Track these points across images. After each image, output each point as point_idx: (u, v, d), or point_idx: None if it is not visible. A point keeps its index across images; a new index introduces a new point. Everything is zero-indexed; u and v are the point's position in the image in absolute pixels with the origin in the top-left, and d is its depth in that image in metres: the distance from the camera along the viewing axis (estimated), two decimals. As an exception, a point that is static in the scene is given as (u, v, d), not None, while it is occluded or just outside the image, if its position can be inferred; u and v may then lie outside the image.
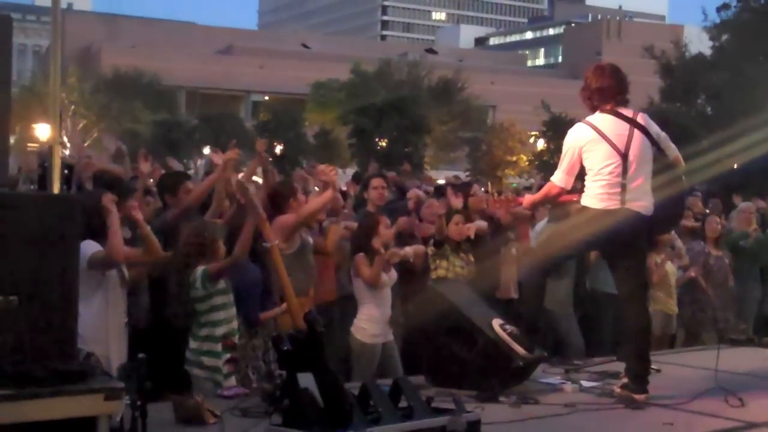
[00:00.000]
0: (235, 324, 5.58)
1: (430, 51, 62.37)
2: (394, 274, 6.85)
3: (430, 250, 7.64)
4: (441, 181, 14.99)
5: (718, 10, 38.16)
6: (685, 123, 34.28)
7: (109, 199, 5.26)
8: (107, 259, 5.25)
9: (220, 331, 5.45)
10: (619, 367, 5.96)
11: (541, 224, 8.36)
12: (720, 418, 5.22)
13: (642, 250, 5.97)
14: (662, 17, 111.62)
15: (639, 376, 5.61)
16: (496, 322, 5.80)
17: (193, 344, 5.48)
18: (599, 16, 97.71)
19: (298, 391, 4.15)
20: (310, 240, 6.72)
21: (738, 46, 35.86)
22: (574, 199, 5.84)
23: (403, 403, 4.40)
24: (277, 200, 6.53)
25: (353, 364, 6.76)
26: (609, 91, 5.69)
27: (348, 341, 6.76)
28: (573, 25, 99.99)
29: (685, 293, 9.08)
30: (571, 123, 5.84)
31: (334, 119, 43.48)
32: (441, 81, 46.22)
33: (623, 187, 5.54)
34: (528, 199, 6.38)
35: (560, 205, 6.71)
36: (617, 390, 5.65)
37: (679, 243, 9.18)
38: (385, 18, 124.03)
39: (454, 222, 7.63)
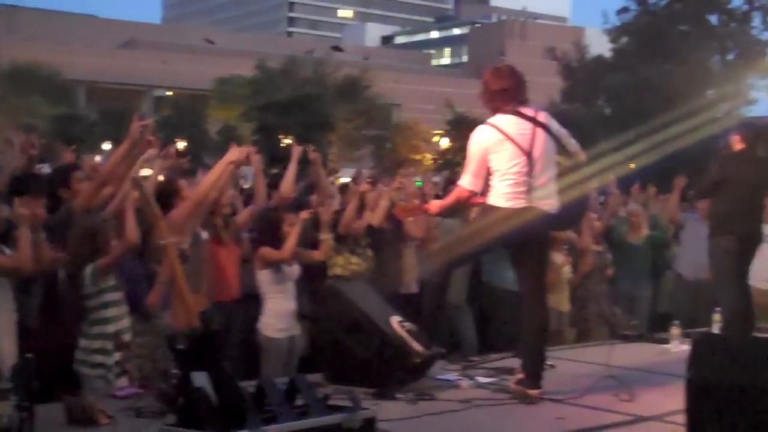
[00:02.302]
0: (126, 322, 5.50)
1: (336, 49, 62.20)
2: (296, 268, 6.84)
3: (328, 244, 7.65)
4: (345, 179, 14.99)
5: (618, 13, 39.14)
6: (585, 123, 34.97)
7: (20, 211, 5.14)
8: (14, 270, 5.14)
9: (110, 328, 5.36)
10: (515, 363, 6.05)
11: (447, 222, 8.44)
12: (611, 412, 5.35)
13: (546, 248, 6.08)
14: (565, 19, 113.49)
15: (533, 372, 5.71)
16: (395, 320, 5.84)
17: (83, 343, 5.38)
18: (504, 17, 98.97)
19: (192, 391, 4.10)
20: (204, 236, 6.64)
21: (636, 48, 36.76)
22: (481, 201, 5.90)
23: (299, 401, 4.40)
24: (163, 199, 6.27)
25: (261, 360, 6.74)
26: (509, 92, 5.77)
27: (254, 338, 6.75)
28: (478, 25, 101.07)
29: (573, 290, 9.26)
30: (475, 122, 5.91)
31: (238, 116, 43.12)
32: (346, 79, 46.21)
33: (529, 185, 5.63)
34: (436, 205, 6.41)
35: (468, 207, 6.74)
36: (512, 386, 5.73)
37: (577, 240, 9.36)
38: (292, 15, 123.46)
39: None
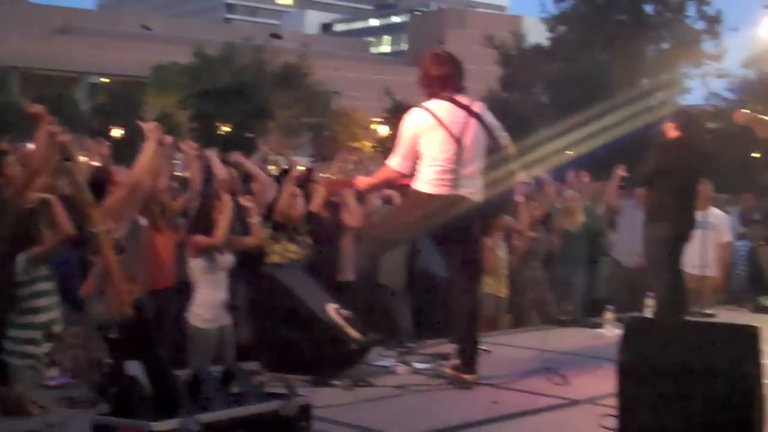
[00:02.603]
0: (57, 312, 5.42)
1: (275, 36, 61.90)
2: (229, 257, 6.80)
3: (266, 233, 7.62)
4: (284, 167, 14.92)
5: (556, 2, 39.42)
6: (523, 112, 35.29)
7: None
8: None
9: (41, 318, 5.29)
10: (451, 348, 6.09)
11: (385, 209, 8.46)
12: (544, 395, 5.42)
13: (472, 235, 6.11)
14: (503, 8, 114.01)
15: (468, 357, 5.75)
16: (331, 307, 5.84)
17: (12, 333, 5.30)
18: (443, 5, 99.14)
19: (124, 380, 4.06)
20: (142, 223, 6.57)
21: (574, 37, 37.08)
22: (407, 183, 5.92)
23: (234, 390, 4.38)
24: (95, 187, 6.19)
25: (189, 350, 6.68)
26: (447, 79, 5.79)
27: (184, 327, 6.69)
28: (417, 13, 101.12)
29: (509, 276, 9.35)
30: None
31: (175, 103, 42.67)
32: (285, 66, 45.97)
33: (456, 173, 5.66)
34: (363, 181, 6.43)
35: (396, 188, 6.77)
36: (448, 371, 5.77)
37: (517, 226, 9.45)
38: (230, 1, 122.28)
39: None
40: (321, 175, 8.82)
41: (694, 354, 3.80)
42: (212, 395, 4.18)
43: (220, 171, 7.79)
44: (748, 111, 5.18)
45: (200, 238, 6.65)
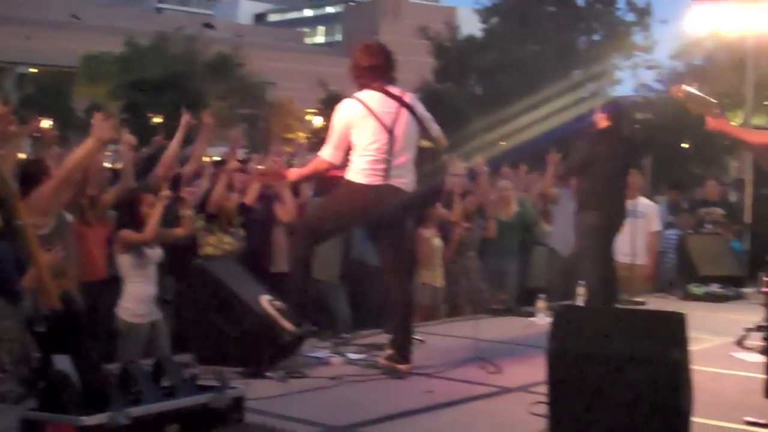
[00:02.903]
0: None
1: (208, 26, 61.25)
2: (159, 251, 6.71)
3: (199, 225, 7.55)
4: (217, 158, 14.79)
5: (489, -7, 39.67)
6: (458, 103, 35.46)
7: None
8: None
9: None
10: (386, 338, 6.11)
11: (316, 200, 8.43)
12: (478, 384, 5.47)
13: (404, 225, 6.13)
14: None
15: (403, 347, 5.78)
16: (264, 298, 5.81)
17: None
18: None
19: (53, 374, 3.99)
20: (69, 218, 6.44)
21: (507, 28, 37.34)
22: (342, 174, 5.92)
23: (166, 383, 4.33)
24: (27, 180, 6.05)
25: (119, 345, 6.59)
26: (378, 70, 5.81)
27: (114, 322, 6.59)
28: (352, 3, 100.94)
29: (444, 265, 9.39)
30: (348, 99, 5.91)
31: (106, 94, 41.98)
32: (218, 56, 45.51)
33: (388, 163, 5.68)
34: (294, 172, 6.41)
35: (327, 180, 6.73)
36: (382, 361, 5.80)
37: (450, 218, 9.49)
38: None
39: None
40: (255, 166, 8.73)
41: (622, 341, 3.86)
42: (143, 389, 4.13)
43: (167, 159, 7.64)
44: (685, 86, 5.19)
45: (128, 234, 6.53)
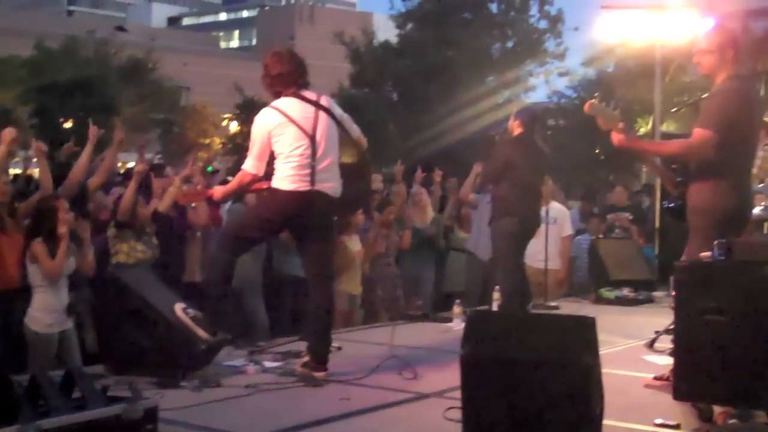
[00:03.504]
0: None
1: (120, 29, 60.30)
2: (71, 261, 6.58)
3: (111, 233, 7.43)
4: (131, 164, 14.60)
5: (403, -1, 39.86)
6: (374, 109, 35.51)
7: None
8: None
9: None
10: (303, 346, 6.09)
11: (228, 204, 8.37)
12: (394, 390, 5.48)
13: (330, 231, 6.12)
14: (353, 4, 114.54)
15: (319, 355, 5.77)
16: (179, 307, 5.74)
17: None
18: (293, 1, 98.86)
19: (-41, 387, 3.88)
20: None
21: (422, 35, 37.53)
22: (265, 186, 5.89)
23: (76, 394, 4.25)
24: None
25: (29, 355, 6.44)
26: (290, 76, 5.80)
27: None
28: (267, 8, 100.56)
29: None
30: (264, 106, 5.89)
31: (15, 98, 41.02)
32: (131, 60, 44.84)
33: (313, 168, 5.67)
34: (219, 191, 6.34)
35: (253, 191, 6.67)
36: (298, 369, 5.78)
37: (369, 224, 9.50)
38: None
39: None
40: (173, 178, 8.50)
41: (533, 345, 3.91)
42: (52, 400, 4.04)
43: (78, 169, 7.46)
44: (596, 102, 5.36)
45: (39, 254, 6.32)
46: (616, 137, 5.36)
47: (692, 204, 5.42)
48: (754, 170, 7.73)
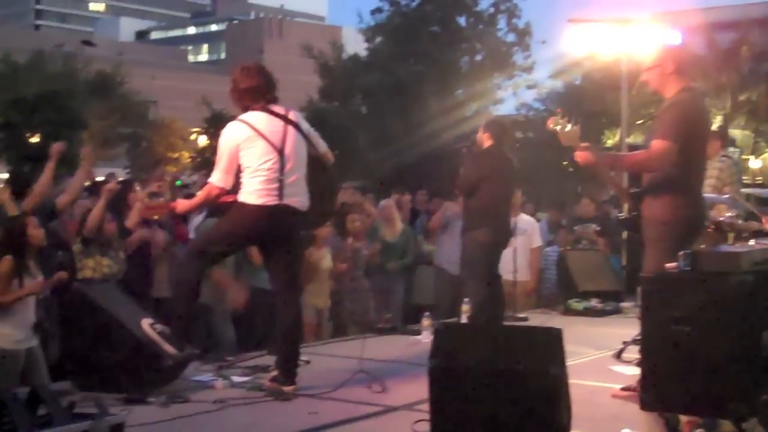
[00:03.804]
0: None
1: (88, 43, 59.90)
2: (39, 278, 6.52)
3: (77, 248, 7.37)
4: (100, 178, 14.46)
5: (372, 13, 39.90)
6: (343, 122, 35.53)
7: None
8: None
9: None
10: (271, 360, 6.06)
11: (198, 219, 8.34)
12: (363, 404, 5.48)
13: (297, 246, 6.12)
14: (323, 18, 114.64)
15: (288, 369, 5.75)
16: (146, 322, 5.71)
17: None
18: (261, 14, 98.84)
19: None
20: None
21: (391, 48, 37.62)
22: (232, 200, 5.87)
23: (42, 412, 4.21)
24: None
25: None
26: (258, 90, 5.80)
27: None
28: (236, 22, 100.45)
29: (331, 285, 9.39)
30: (232, 120, 5.88)
31: (-20, 112, 40.72)
32: (99, 74, 44.62)
33: (281, 182, 5.67)
34: (183, 204, 6.31)
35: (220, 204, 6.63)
36: (267, 383, 5.76)
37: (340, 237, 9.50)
38: (39, 7, 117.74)
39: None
40: (139, 193, 8.45)
41: (500, 357, 3.92)
42: (17, 418, 4.00)
43: (41, 186, 7.38)
44: (558, 119, 5.44)
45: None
46: (579, 155, 5.43)
47: (649, 215, 5.48)
48: (713, 181, 7.86)
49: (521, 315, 9.48)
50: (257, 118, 5.72)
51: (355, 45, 41.99)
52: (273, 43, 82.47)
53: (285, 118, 5.77)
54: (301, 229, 6.16)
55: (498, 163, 7.96)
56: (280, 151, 5.68)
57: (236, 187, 5.77)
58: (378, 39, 39.32)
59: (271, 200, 5.67)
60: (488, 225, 7.74)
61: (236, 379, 6.05)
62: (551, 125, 5.44)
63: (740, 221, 7.26)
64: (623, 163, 5.83)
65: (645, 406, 4.68)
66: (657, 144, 5.32)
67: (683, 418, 4.71)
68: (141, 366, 5.52)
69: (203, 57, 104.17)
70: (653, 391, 4.60)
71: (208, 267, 6.27)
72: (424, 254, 10.95)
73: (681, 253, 4.67)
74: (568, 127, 5.44)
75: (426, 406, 4.24)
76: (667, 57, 5.55)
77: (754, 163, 31.05)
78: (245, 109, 5.80)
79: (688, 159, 5.35)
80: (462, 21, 39.19)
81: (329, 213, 6.65)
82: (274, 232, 5.73)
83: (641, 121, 14.83)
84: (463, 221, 8.09)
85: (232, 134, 5.74)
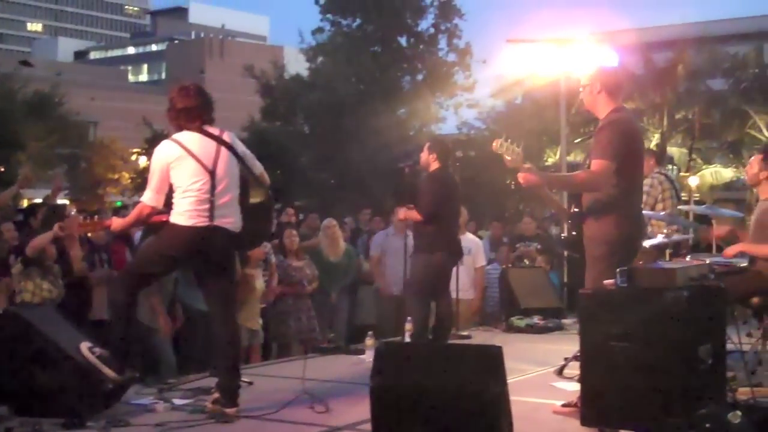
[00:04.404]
0: None
1: (25, 63, 59.06)
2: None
3: (17, 269, 7.26)
4: (38, 200, 14.28)
5: (313, 33, 39.99)
6: (285, 141, 35.49)
7: None
8: None
9: None
10: (213, 382, 6.00)
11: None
12: (306, 424, 5.44)
13: (231, 267, 6.08)
14: (264, 38, 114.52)
15: (230, 390, 5.69)
16: (84, 346, 5.62)
17: None
18: (202, 34, 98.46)
19: None
20: None
21: (332, 68, 37.69)
22: (165, 219, 5.83)
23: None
24: None
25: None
26: (195, 111, 5.77)
27: None
28: (176, 41, 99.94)
29: (272, 306, 9.34)
30: (169, 139, 5.84)
31: None
32: (37, 95, 44.06)
33: (212, 203, 5.64)
34: (117, 222, 6.25)
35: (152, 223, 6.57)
36: (209, 405, 5.69)
37: (272, 258, 9.45)
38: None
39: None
40: (74, 214, 8.38)
41: (441, 375, 3.94)
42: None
43: None
44: (502, 141, 5.50)
45: None
46: (522, 176, 5.49)
47: (590, 235, 5.55)
48: (643, 197, 8.01)
49: (464, 333, 9.52)
50: (189, 138, 5.70)
51: (297, 65, 42.01)
52: (214, 62, 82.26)
53: (218, 139, 5.75)
54: (234, 251, 6.13)
55: (446, 184, 8.02)
56: (212, 172, 5.65)
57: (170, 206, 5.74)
58: (320, 59, 39.40)
59: (201, 221, 5.63)
60: (443, 248, 7.79)
61: (177, 401, 5.97)
62: (496, 148, 5.49)
63: (676, 236, 7.41)
64: (565, 184, 5.90)
65: (586, 421, 4.74)
66: (596, 164, 5.40)
67: (623, 433, 4.77)
68: (80, 390, 5.43)
69: (143, 77, 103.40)
70: (593, 407, 4.66)
71: (141, 288, 6.18)
72: (365, 274, 10.98)
73: (618, 270, 4.74)
74: (513, 148, 5.49)
75: (369, 426, 4.24)
76: (595, 78, 5.67)
77: (693, 180, 31.62)
78: (180, 129, 5.77)
79: (626, 177, 5.44)
80: (403, 41, 39.45)
81: (264, 235, 6.62)
82: (206, 253, 5.70)
83: (578, 140, 15.00)
84: (415, 242, 8.08)
85: (163, 153, 5.71)
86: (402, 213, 8.23)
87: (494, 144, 5.50)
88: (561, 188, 6.01)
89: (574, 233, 5.68)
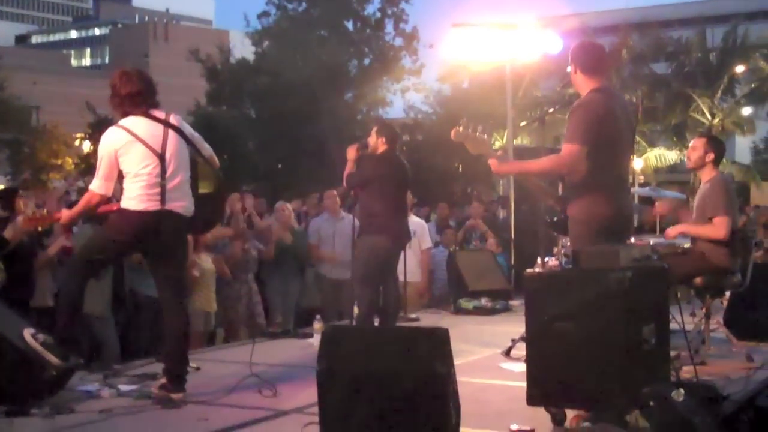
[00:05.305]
0: None
1: (-35, 48, 58.20)
2: None
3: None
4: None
5: (259, 17, 39.74)
6: (232, 126, 35.27)
7: None
8: None
9: None
10: (159, 368, 5.97)
11: (84, 228, 8.16)
12: (253, 408, 5.43)
13: (183, 251, 6.03)
14: (210, 22, 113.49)
15: (177, 376, 5.66)
16: (27, 332, 5.54)
17: None
18: (146, 18, 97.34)
19: None
20: None
21: (278, 52, 37.49)
22: (115, 207, 5.77)
23: None
24: None
25: None
26: (139, 96, 5.70)
27: None
28: (119, 25, 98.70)
29: (219, 290, 9.29)
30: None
31: None
32: (-23, 81, 43.35)
33: (162, 187, 5.59)
34: (66, 214, 6.16)
35: (100, 213, 6.47)
36: (155, 391, 5.66)
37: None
38: None
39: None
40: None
41: (387, 358, 3.95)
42: None
43: None
44: (461, 128, 5.42)
45: None
46: (493, 163, 5.45)
47: (571, 215, 5.55)
48: None
49: (412, 315, 9.56)
50: (136, 123, 5.63)
51: (243, 49, 41.74)
52: (158, 46, 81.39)
53: (166, 123, 5.69)
54: (186, 235, 6.08)
55: (394, 167, 7.99)
56: (161, 156, 5.60)
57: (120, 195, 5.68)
58: (266, 43, 39.18)
59: (152, 205, 5.58)
60: (388, 231, 7.76)
61: (123, 387, 5.92)
62: (456, 137, 5.41)
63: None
64: (534, 169, 5.76)
65: (531, 401, 4.78)
66: (565, 148, 5.36)
67: (570, 412, 4.82)
68: (23, 377, 5.35)
69: (86, 61, 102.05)
70: (539, 387, 4.70)
71: (91, 276, 6.12)
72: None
73: (562, 251, 4.77)
74: (476, 136, 5.42)
75: (316, 410, 4.24)
76: (571, 59, 5.61)
77: (637, 162, 32.02)
78: (125, 115, 5.70)
79: (600, 158, 5.35)
80: (350, 25, 39.37)
81: (216, 218, 6.57)
82: (158, 238, 5.64)
83: (524, 123, 15.08)
84: (361, 225, 8.05)
85: (110, 140, 5.64)
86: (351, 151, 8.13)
87: (453, 133, 5.40)
88: (530, 173, 5.85)
89: (563, 216, 5.66)
